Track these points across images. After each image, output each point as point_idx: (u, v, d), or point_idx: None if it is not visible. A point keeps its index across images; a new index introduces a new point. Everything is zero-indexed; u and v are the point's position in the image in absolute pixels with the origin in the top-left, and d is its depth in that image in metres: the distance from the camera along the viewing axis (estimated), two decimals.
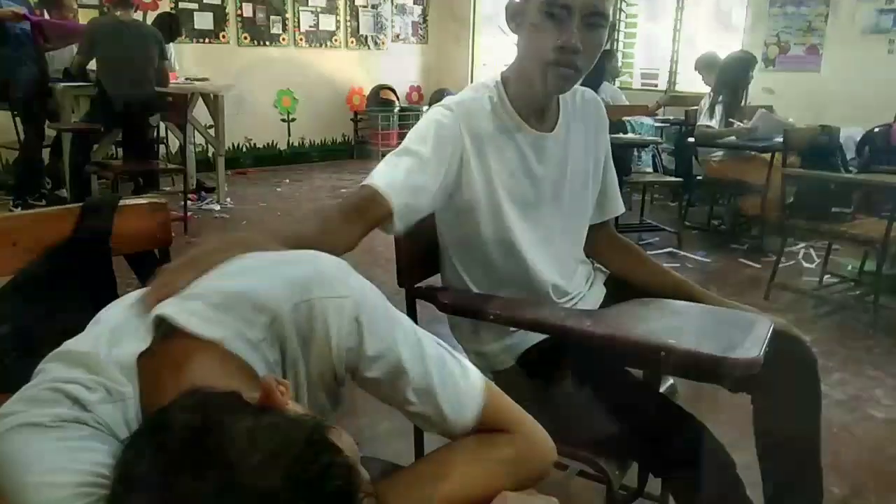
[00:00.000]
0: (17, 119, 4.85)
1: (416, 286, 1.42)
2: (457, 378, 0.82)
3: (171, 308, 0.72)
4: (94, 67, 4.61)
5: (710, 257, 4.43)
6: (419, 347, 0.80)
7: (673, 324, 1.18)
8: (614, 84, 5.50)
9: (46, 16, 5.02)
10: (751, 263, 4.27)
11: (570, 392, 1.30)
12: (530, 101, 1.33)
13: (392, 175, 1.23)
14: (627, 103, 5.33)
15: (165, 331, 0.72)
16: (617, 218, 1.64)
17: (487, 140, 1.32)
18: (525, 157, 1.34)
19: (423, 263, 1.47)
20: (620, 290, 1.48)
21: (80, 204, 1.07)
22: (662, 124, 5.73)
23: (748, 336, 1.10)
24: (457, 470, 0.79)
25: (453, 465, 0.80)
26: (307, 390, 0.79)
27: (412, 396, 0.79)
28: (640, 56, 7.47)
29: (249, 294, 0.73)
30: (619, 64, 6.03)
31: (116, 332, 0.72)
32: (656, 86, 7.20)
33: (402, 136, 1.33)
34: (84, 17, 5.33)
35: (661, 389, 1.50)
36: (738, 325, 1.16)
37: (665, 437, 1.18)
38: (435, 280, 1.48)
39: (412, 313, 1.43)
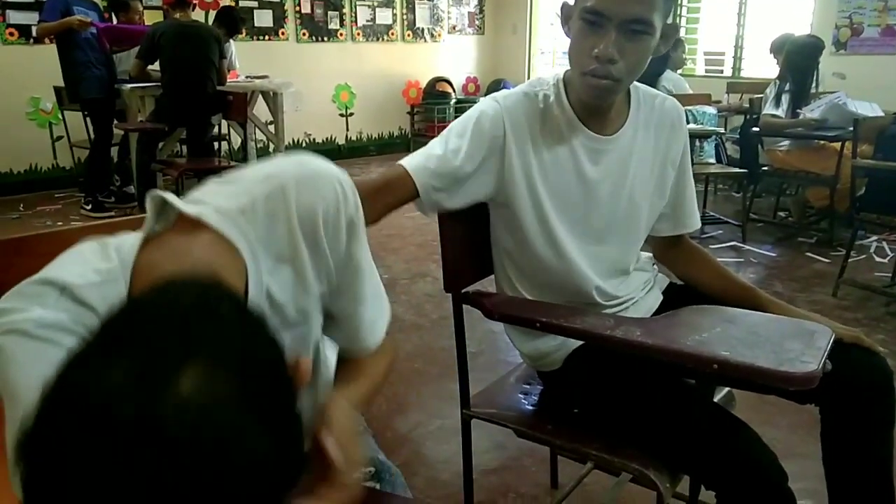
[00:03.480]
0: (88, 119, 5.03)
1: (463, 290, 1.41)
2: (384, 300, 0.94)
3: (169, 196, 0.75)
4: (159, 69, 4.74)
5: (775, 251, 4.27)
6: (372, 263, 0.89)
7: (727, 334, 1.14)
8: (677, 73, 5.35)
9: (115, 19, 5.19)
10: (818, 258, 4.10)
11: (620, 398, 1.28)
12: (586, 105, 1.30)
13: (423, 158, 1.30)
14: (690, 91, 5.18)
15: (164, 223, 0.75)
16: None
17: (533, 136, 1.30)
18: (577, 158, 1.31)
19: (471, 266, 1.46)
20: (679, 297, 1.44)
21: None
22: (726, 113, 5.55)
23: (807, 347, 1.05)
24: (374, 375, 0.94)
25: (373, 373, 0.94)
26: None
27: (368, 296, 0.88)
28: (704, 39, 7.23)
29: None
30: (685, 51, 5.85)
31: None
32: (721, 71, 6.98)
33: None
34: (150, 19, 5.50)
35: (718, 395, 1.46)
36: (797, 336, 1.10)
37: (716, 449, 1.14)
38: (484, 284, 1.46)
39: (459, 318, 1.43)
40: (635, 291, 1.45)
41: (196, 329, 0.50)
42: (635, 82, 1.36)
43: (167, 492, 0.43)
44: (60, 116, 5.46)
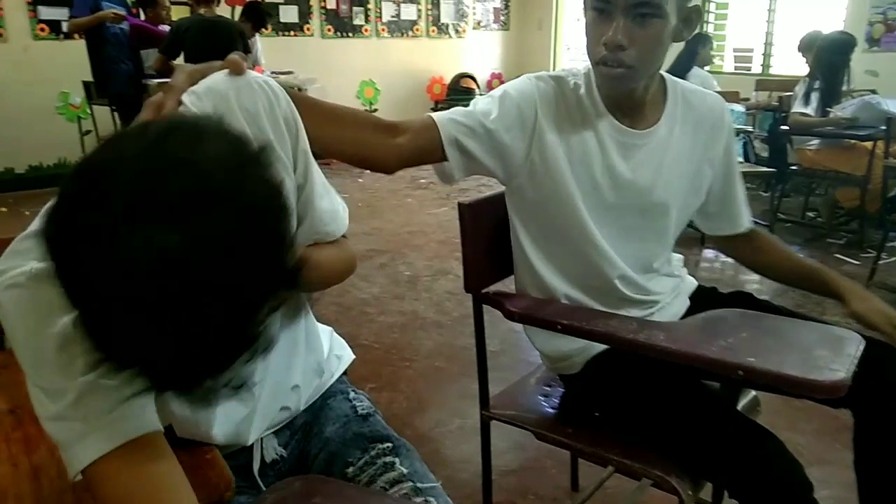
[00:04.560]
0: (116, 113, 5.09)
1: (484, 291, 1.39)
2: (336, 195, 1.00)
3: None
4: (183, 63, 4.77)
5: (803, 252, 4.20)
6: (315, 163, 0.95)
7: (754, 339, 1.11)
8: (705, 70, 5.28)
9: (142, 15, 5.25)
10: (848, 259, 4.02)
11: (642, 403, 1.26)
12: (615, 96, 1.27)
13: (452, 112, 1.29)
14: (719, 89, 5.11)
15: None
16: None
17: (563, 122, 1.28)
18: (606, 151, 1.28)
19: (492, 266, 1.44)
20: (707, 301, 1.40)
21: None
22: (755, 111, 5.46)
23: (836, 355, 1.03)
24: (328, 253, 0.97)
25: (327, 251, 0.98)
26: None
27: (320, 189, 0.94)
28: (733, 35, 7.13)
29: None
30: (712, 47, 5.77)
31: None
32: (749, 68, 6.87)
33: None
34: (177, 15, 5.53)
35: (743, 400, 1.43)
36: (826, 342, 1.08)
37: (739, 456, 1.11)
38: (506, 283, 1.45)
39: (479, 318, 1.42)
40: (663, 295, 1.41)
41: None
42: (675, 78, 1.34)
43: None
44: (89, 111, 5.54)
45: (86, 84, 5.22)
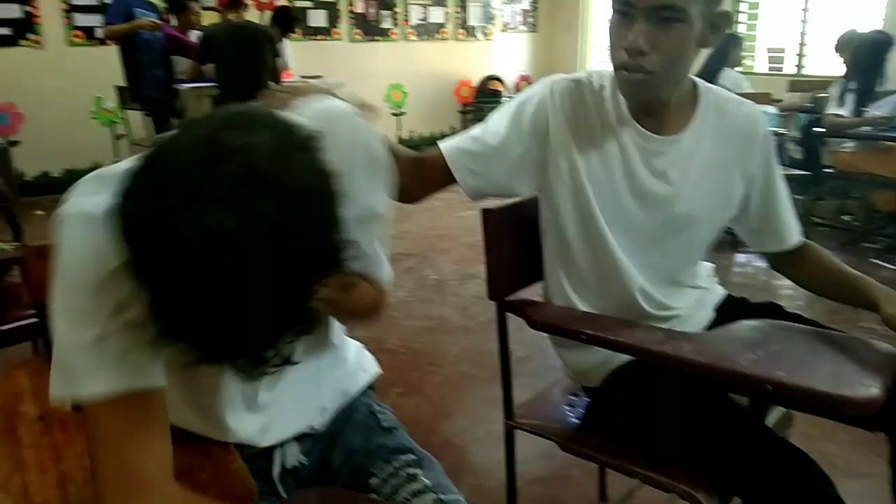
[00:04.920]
0: (148, 118, 5.17)
1: (508, 298, 1.38)
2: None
3: None
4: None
5: (839, 257, 4.08)
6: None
7: (784, 352, 1.09)
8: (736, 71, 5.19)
9: (173, 20, 5.32)
10: (885, 264, 3.93)
11: (667, 416, 1.24)
12: (639, 102, 1.24)
13: (459, 139, 1.31)
14: (750, 90, 5.03)
15: None
16: None
17: (580, 126, 1.25)
18: (628, 156, 1.25)
19: (516, 273, 1.43)
20: (734, 313, 1.37)
21: None
22: (788, 112, 5.36)
23: (869, 369, 1.00)
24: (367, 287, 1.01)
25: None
26: None
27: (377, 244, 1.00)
28: (765, 35, 7.01)
29: None
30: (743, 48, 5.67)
31: None
32: (782, 69, 6.76)
33: None
34: (207, 21, 5.60)
35: (776, 413, 1.39)
36: (860, 357, 1.05)
37: (768, 473, 1.09)
38: (531, 291, 1.43)
39: (503, 326, 1.41)
40: (687, 307, 1.38)
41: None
42: (709, 84, 1.30)
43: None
44: (122, 115, 5.63)
45: (119, 89, 5.31)
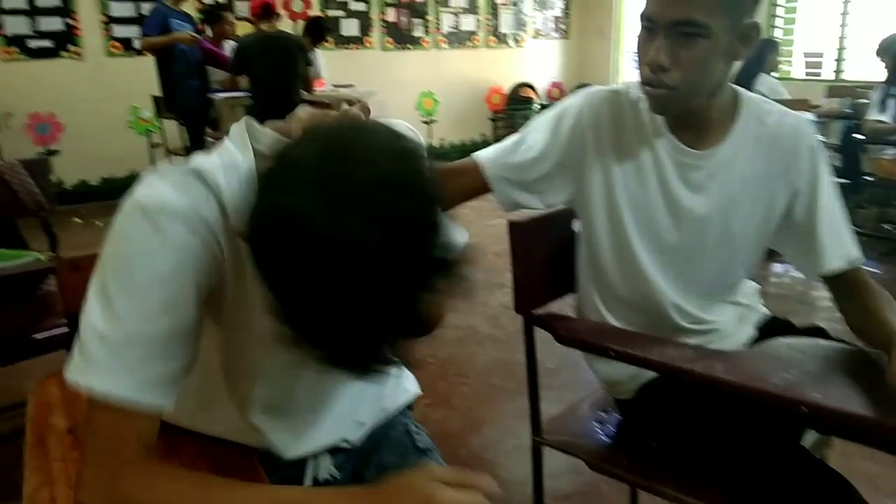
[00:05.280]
0: (183, 127, 5.26)
1: (535, 312, 1.37)
2: None
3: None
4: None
5: (880, 267, 4.00)
6: None
7: (821, 372, 1.05)
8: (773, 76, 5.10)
9: (209, 30, 5.41)
10: None
11: (699, 434, 1.21)
12: (677, 114, 1.21)
13: (495, 150, 1.31)
14: (787, 96, 4.93)
15: None
16: None
17: (616, 138, 1.24)
18: (663, 170, 1.23)
19: (544, 285, 1.42)
20: (777, 334, 1.33)
21: None
22: (826, 119, 5.25)
23: None
24: None
25: None
26: None
27: None
28: (802, 39, 6.87)
29: None
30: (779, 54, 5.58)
31: None
32: (820, 74, 6.62)
33: None
34: (242, 31, 5.69)
35: (812, 434, 1.35)
36: None
37: (803, 498, 1.05)
38: (559, 304, 1.42)
39: (530, 340, 1.39)
40: (726, 321, 1.34)
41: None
42: (752, 94, 1.26)
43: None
44: (158, 124, 5.73)
45: (155, 99, 5.41)
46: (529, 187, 1.29)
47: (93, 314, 0.74)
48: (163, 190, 0.75)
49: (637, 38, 1.16)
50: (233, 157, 0.81)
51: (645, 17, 1.12)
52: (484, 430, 2.30)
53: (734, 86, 1.24)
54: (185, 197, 0.75)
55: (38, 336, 1.83)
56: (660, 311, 1.29)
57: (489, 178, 1.29)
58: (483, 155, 1.32)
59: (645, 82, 1.14)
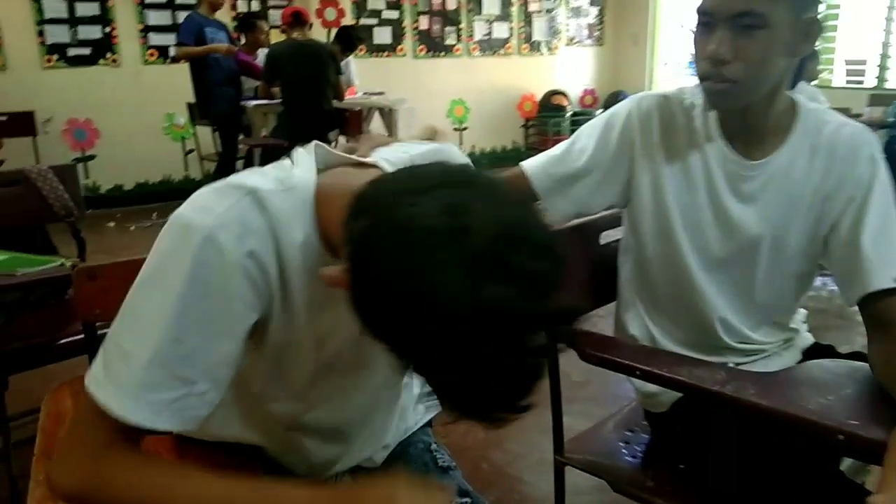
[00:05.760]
0: (216, 134, 5.31)
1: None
2: None
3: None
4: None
5: None
6: None
7: (860, 397, 0.99)
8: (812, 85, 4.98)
9: (243, 38, 5.46)
10: None
11: (732, 456, 1.15)
12: (730, 119, 1.17)
13: (545, 159, 1.29)
14: (828, 105, 4.80)
15: None
16: None
17: (666, 145, 1.20)
18: (713, 180, 1.19)
19: (568, 301, 1.37)
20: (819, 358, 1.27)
21: None
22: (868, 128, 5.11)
23: None
24: None
25: None
26: None
27: None
28: (844, 46, 6.70)
29: None
30: (820, 61, 5.44)
31: None
32: (862, 82, 6.45)
33: None
34: (275, 39, 5.74)
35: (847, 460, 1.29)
36: None
37: None
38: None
39: (553, 360, 1.35)
40: (771, 345, 1.29)
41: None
42: (813, 104, 1.21)
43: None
44: (192, 131, 5.80)
45: (190, 106, 5.48)
46: (578, 198, 1.27)
47: (121, 328, 0.73)
48: (211, 210, 0.71)
49: (694, 35, 1.13)
50: (292, 177, 0.77)
51: (703, 11, 1.09)
52: (507, 444, 2.25)
53: (792, 95, 1.19)
54: (235, 221, 0.71)
55: (63, 341, 1.84)
56: (705, 324, 1.25)
57: (538, 190, 1.28)
58: (530, 165, 1.30)
59: (704, 77, 1.10)
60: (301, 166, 0.80)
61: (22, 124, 5.06)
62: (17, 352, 1.79)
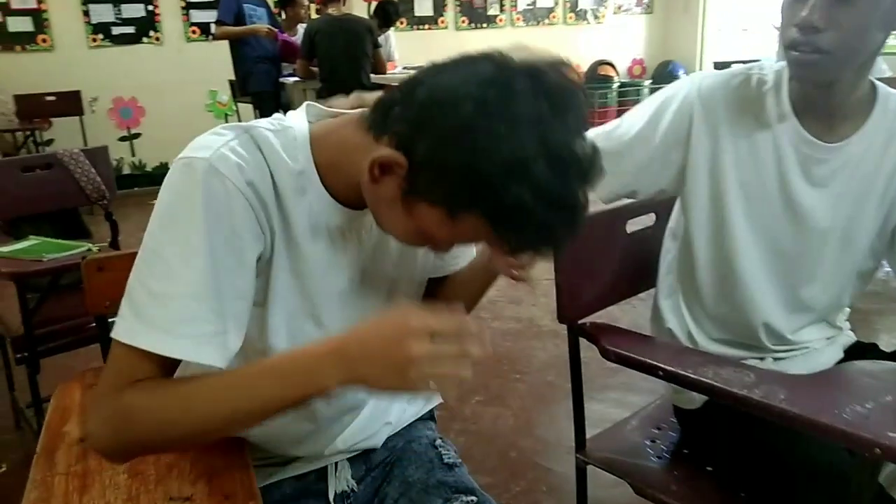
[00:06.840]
0: (257, 110, 5.32)
1: (581, 322, 1.26)
2: None
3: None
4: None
5: None
6: None
7: None
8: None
9: (283, 14, 5.44)
10: None
11: (762, 458, 1.09)
12: (808, 97, 1.08)
13: (590, 134, 1.24)
14: (889, 74, 4.53)
15: None
16: None
17: (730, 125, 1.12)
18: (783, 162, 1.11)
19: (592, 293, 1.31)
20: (860, 357, 1.19)
21: None
22: None
23: None
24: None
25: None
26: None
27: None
28: None
29: None
30: None
31: None
32: None
33: (620, 114, 1.29)
34: (315, 14, 5.70)
35: (891, 468, 1.20)
36: None
37: None
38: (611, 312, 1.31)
39: (575, 353, 1.29)
40: (813, 342, 1.22)
41: None
42: (890, 88, 1.12)
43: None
44: (235, 108, 5.83)
45: (231, 83, 5.50)
46: (623, 177, 1.20)
47: (146, 273, 0.72)
48: (209, 146, 0.74)
49: (783, 2, 1.04)
50: (284, 121, 0.82)
51: None
52: (537, 432, 2.20)
53: (873, 79, 1.10)
54: (232, 153, 0.74)
55: (92, 325, 1.86)
56: (747, 328, 1.18)
57: None
58: None
59: (791, 46, 1.01)
60: (293, 117, 0.84)
61: (69, 104, 5.17)
62: (46, 336, 1.82)
